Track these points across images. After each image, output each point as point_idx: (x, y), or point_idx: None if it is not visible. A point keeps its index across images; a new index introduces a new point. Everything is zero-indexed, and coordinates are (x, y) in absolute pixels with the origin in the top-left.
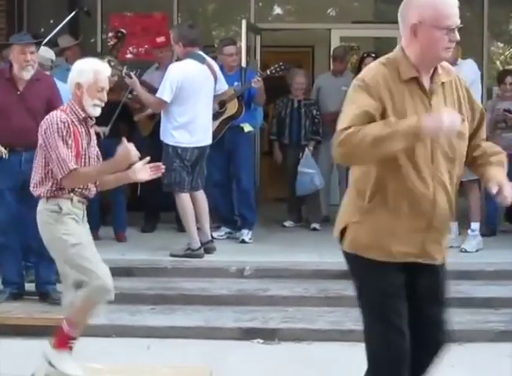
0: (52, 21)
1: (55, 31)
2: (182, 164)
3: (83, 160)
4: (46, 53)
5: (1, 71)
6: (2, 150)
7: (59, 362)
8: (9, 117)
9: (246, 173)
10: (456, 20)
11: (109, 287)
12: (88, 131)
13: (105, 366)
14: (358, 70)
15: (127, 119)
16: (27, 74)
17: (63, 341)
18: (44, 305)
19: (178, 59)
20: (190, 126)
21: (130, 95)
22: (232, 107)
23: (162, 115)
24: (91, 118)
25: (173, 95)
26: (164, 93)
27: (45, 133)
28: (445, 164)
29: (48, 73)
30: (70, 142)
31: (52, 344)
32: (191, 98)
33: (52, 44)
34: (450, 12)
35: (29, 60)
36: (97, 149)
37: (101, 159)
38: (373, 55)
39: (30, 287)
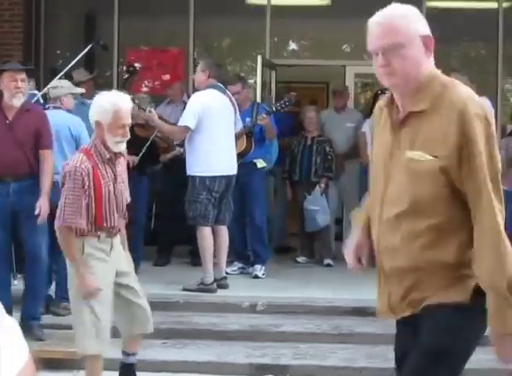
0: (68, 54)
1: (70, 65)
2: (209, 197)
3: (106, 202)
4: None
5: None
6: None
7: None
8: None
9: (259, 209)
10: (374, 45)
11: (103, 342)
12: (115, 168)
13: None
14: (371, 106)
15: (152, 157)
16: (18, 102)
17: None
18: (57, 337)
19: (195, 91)
20: (215, 155)
21: (159, 134)
22: (240, 144)
23: (187, 148)
24: (120, 153)
25: (196, 122)
26: (187, 120)
27: (64, 177)
28: (393, 207)
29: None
30: (86, 192)
31: None
32: (214, 127)
33: (67, 77)
34: (369, 38)
35: (20, 87)
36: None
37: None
38: (387, 92)
39: (44, 318)
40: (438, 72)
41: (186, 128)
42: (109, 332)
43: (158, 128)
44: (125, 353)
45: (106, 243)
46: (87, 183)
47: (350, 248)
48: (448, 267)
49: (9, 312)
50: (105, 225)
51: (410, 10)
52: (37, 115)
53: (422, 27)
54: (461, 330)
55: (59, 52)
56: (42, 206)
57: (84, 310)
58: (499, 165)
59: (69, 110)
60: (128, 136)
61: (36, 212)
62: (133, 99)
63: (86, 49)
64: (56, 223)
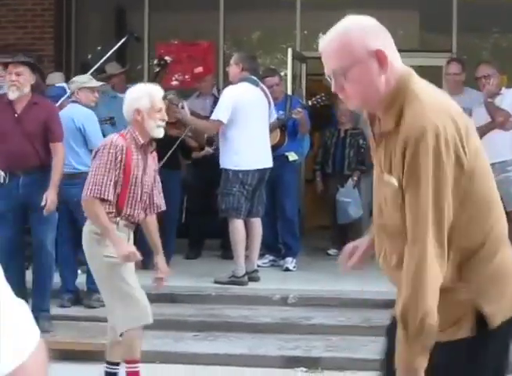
0: (99, 48)
1: (105, 58)
2: (241, 190)
3: (132, 187)
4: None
5: (2, 96)
6: (1, 173)
7: None
8: (7, 140)
9: (290, 202)
10: (325, 70)
11: (147, 311)
12: (146, 159)
13: None
14: None
15: (184, 154)
16: (12, 95)
17: None
18: (89, 330)
19: (226, 84)
20: (249, 148)
21: (190, 133)
22: (274, 137)
23: (220, 142)
24: (150, 144)
25: (229, 116)
26: (220, 114)
27: (96, 153)
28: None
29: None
30: (116, 169)
31: None
32: (248, 120)
33: (100, 71)
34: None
35: (14, 80)
36: (156, 176)
37: (159, 186)
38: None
39: (78, 311)
40: (407, 82)
41: (219, 122)
42: (148, 305)
43: (191, 124)
44: (108, 362)
45: (124, 233)
46: (119, 158)
47: (346, 248)
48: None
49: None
50: (125, 210)
51: (356, 26)
52: (45, 108)
53: (371, 41)
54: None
55: (90, 46)
56: (49, 198)
57: (120, 291)
58: (443, 194)
59: (89, 105)
60: (166, 118)
61: (42, 203)
62: (165, 96)
63: (121, 42)
64: (83, 195)
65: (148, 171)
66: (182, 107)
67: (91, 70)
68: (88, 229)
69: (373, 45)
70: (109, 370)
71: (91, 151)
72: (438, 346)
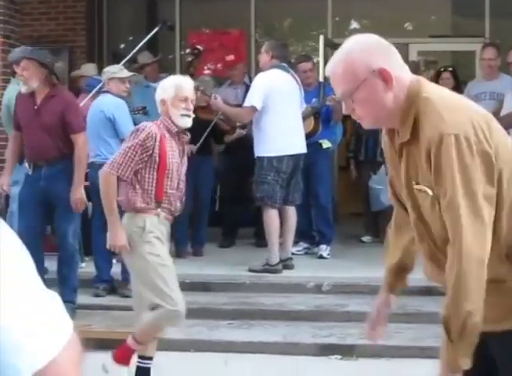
0: (131, 38)
1: (138, 47)
2: (276, 178)
3: (168, 176)
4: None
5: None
6: (26, 165)
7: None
8: (27, 132)
9: (323, 189)
10: (336, 93)
11: (182, 313)
12: (182, 146)
13: None
14: (435, 83)
15: (218, 139)
16: (23, 89)
17: (125, 357)
18: (124, 319)
19: (258, 72)
20: (283, 135)
21: (222, 116)
22: (308, 125)
23: (253, 129)
24: (184, 133)
25: (261, 102)
26: (253, 100)
27: (130, 133)
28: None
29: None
30: (144, 156)
31: (113, 357)
32: (280, 106)
33: (132, 60)
34: None
35: (20, 75)
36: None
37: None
38: (450, 69)
39: (112, 301)
40: (417, 91)
41: (253, 109)
42: (184, 309)
43: (224, 113)
44: (141, 357)
45: (164, 225)
46: (150, 145)
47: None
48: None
49: None
50: (164, 200)
51: (357, 46)
52: (63, 100)
53: (373, 61)
54: None
55: (122, 36)
56: (76, 197)
57: (155, 283)
58: (477, 187)
59: (120, 95)
60: (191, 109)
61: (73, 206)
62: (197, 87)
63: (154, 31)
64: (104, 167)
65: (183, 159)
66: (215, 98)
67: (124, 61)
68: (127, 221)
69: (375, 64)
70: (141, 364)
71: (122, 141)
72: (495, 337)
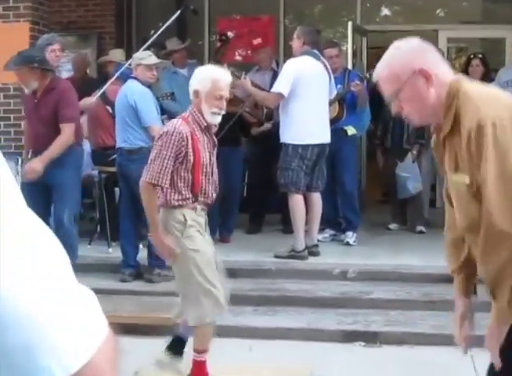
0: (160, 24)
1: (160, 31)
2: (301, 164)
3: (203, 169)
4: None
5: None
6: (28, 154)
7: None
8: (28, 124)
9: (349, 176)
10: (385, 96)
11: (223, 308)
12: (212, 138)
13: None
14: (465, 71)
15: (243, 131)
16: (26, 91)
17: (199, 371)
18: (150, 304)
19: (290, 57)
20: (310, 123)
21: (247, 109)
22: (332, 111)
23: (281, 115)
24: (215, 125)
25: (290, 89)
26: (281, 86)
27: (161, 137)
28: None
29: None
30: (179, 158)
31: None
32: (308, 93)
33: (160, 46)
34: None
35: (17, 81)
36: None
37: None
38: (480, 56)
39: (138, 286)
40: (457, 87)
41: (280, 95)
42: (225, 304)
43: (252, 94)
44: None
45: (202, 217)
46: (183, 146)
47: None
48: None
49: None
50: (201, 194)
51: (399, 51)
52: (58, 92)
53: (414, 62)
54: None
55: (150, 22)
56: (31, 165)
57: (196, 280)
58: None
59: (147, 82)
60: (224, 108)
61: (25, 170)
62: (228, 66)
63: (176, 14)
64: (142, 178)
65: (214, 150)
66: (245, 78)
67: (146, 45)
68: (166, 217)
69: (416, 65)
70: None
71: (146, 128)
72: None
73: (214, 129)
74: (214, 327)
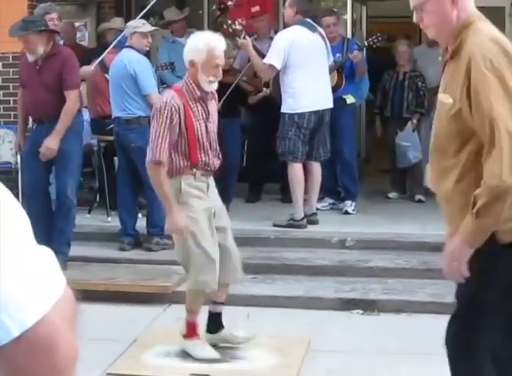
0: None
1: (154, 1)
2: (297, 133)
3: (199, 138)
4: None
5: None
6: (30, 121)
7: (194, 350)
8: (29, 91)
9: (348, 145)
10: (410, 4)
11: (213, 279)
12: (207, 107)
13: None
14: None
15: (241, 100)
16: (30, 58)
17: (191, 331)
18: (149, 272)
19: (286, 26)
20: (306, 91)
21: (244, 78)
22: (331, 80)
23: (281, 86)
24: (212, 93)
25: (282, 60)
26: (272, 59)
27: (153, 115)
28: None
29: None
30: (172, 130)
31: (182, 335)
32: (303, 63)
33: (159, 16)
34: None
35: (25, 47)
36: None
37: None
38: None
39: (137, 254)
40: (473, 20)
41: (272, 67)
42: (217, 266)
43: (251, 58)
44: (213, 302)
45: (202, 181)
46: (176, 119)
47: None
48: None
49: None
50: (200, 162)
51: None
52: (61, 58)
53: None
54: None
55: None
56: (47, 145)
57: (191, 245)
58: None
59: (142, 50)
60: (221, 76)
61: (40, 149)
62: (230, 25)
63: None
64: (147, 159)
65: (211, 118)
66: (244, 38)
67: (142, 13)
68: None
69: None
70: (213, 310)
71: (145, 96)
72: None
73: (212, 96)
74: (204, 296)
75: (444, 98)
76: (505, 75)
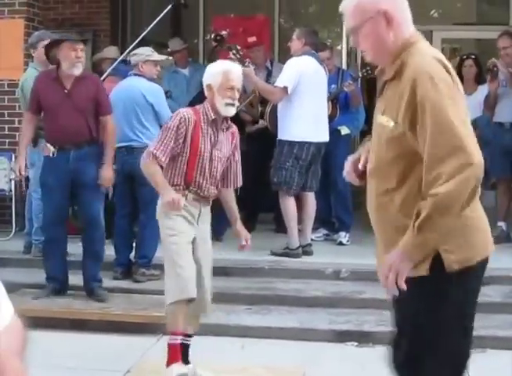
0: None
1: (151, 26)
2: (295, 164)
3: (200, 160)
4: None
5: (48, 72)
6: (51, 148)
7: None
8: (57, 115)
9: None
10: (345, 28)
11: (190, 286)
12: (217, 134)
13: (198, 364)
14: (458, 72)
15: (239, 129)
16: (77, 71)
17: (173, 354)
18: (142, 302)
19: (286, 56)
20: (308, 121)
21: (244, 108)
22: None
23: (279, 112)
24: (226, 121)
25: (293, 85)
26: (285, 81)
27: (169, 119)
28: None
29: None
30: (179, 139)
31: (167, 365)
32: (308, 93)
33: (161, 46)
34: None
35: (80, 57)
36: (235, 154)
37: (237, 165)
38: (473, 56)
39: (130, 284)
40: (414, 41)
41: (285, 89)
42: (194, 282)
43: (257, 86)
44: (183, 334)
45: (195, 207)
46: (183, 129)
47: (349, 160)
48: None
49: (65, 274)
50: (193, 183)
51: None
52: (93, 82)
53: (381, 3)
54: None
55: (145, 19)
56: (106, 175)
57: (170, 263)
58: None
59: (152, 78)
60: (237, 98)
61: (99, 181)
62: (236, 50)
63: (166, 9)
64: (144, 156)
65: (220, 147)
66: (248, 66)
67: (137, 41)
68: (159, 200)
69: (383, 6)
70: (184, 341)
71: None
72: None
73: (225, 126)
74: (184, 309)
75: (384, 120)
76: (456, 96)
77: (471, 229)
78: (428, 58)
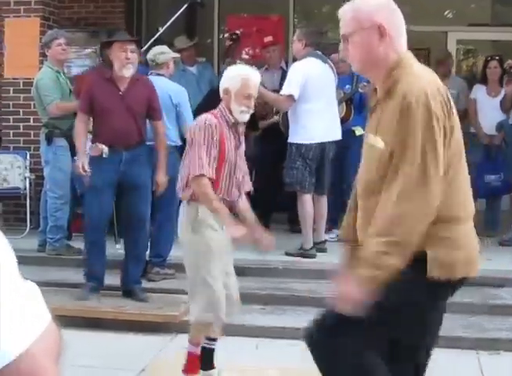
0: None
1: (166, 25)
2: (304, 164)
3: (227, 167)
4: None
5: (101, 72)
6: (104, 148)
7: None
8: (111, 117)
9: (356, 176)
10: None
11: (220, 312)
12: (238, 136)
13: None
14: (483, 73)
15: (252, 125)
16: (128, 72)
17: (191, 364)
18: (156, 302)
19: (294, 60)
20: (315, 123)
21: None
22: (340, 111)
23: (289, 116)
24: (244, 123)
25: (299, 91)
26: (291, 89)
27: (193, 133)
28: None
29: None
30: (214, 146)
31: (182, 370)
32: (314, 95)
33: (168, 44)
34: None
35: (129, 58)
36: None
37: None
38: (497, 57)
39: (145, 283)
40: (407, 60)
41: (291, 97)
42: (224, 301)
43: (263, 96)
44: (207, 338)
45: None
46: (216, 136)
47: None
48: None
49: (102, 274)
50: (221, 189)
51: (369, 1)
52: (146, 85)
53: (377, 16)
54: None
55: (160, 18)
56: (161, 181)
57: (202, 279)
58: (436, 148)
59: (170, 76)
60: (252, 107)
61: (154, 188)
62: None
63: (183, 8)
64: (192, 173)
65: (239, 151)
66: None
67: (152, 40)
68: (183, 210)
69: (378, 19)
70: (207, 345)
71: (182, 126)
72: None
73: (243, 127)
74: (207, 330)
75: (375, 141)
76: (446, 119)
77: (458, 245)
78: (422, 80)
